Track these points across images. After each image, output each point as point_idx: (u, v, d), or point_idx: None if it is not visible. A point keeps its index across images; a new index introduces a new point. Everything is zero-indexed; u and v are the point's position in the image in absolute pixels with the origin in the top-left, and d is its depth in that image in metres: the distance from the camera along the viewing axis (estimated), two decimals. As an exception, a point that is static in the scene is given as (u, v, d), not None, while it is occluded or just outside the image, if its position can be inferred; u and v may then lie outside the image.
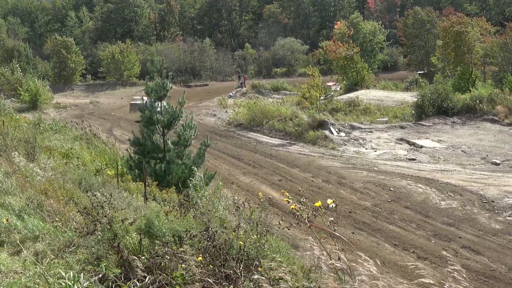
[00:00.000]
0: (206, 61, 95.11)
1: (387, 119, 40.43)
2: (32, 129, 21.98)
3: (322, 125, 35.61)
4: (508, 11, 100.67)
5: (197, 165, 17.96)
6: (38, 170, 13.57)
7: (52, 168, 14.63)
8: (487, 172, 24.58)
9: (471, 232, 17.30)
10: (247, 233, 7.74)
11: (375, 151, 30.54)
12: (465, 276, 5.24)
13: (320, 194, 21.27)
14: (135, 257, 7.39)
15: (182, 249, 7.37)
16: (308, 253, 6.03)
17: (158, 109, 18.20)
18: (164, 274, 6.97)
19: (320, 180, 24.47)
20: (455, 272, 5.33)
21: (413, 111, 41.10)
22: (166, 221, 8.27)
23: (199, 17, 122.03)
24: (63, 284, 6.31)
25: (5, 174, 12.48)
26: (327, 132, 34.43)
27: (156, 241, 7.85)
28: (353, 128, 37.00)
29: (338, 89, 63.50)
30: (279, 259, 7.36)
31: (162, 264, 7.20)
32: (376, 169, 26.17)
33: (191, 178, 13.26)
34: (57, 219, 9.56)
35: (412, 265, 12.78)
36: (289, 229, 6.72)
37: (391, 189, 22.40)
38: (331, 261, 5.51)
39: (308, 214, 5.75)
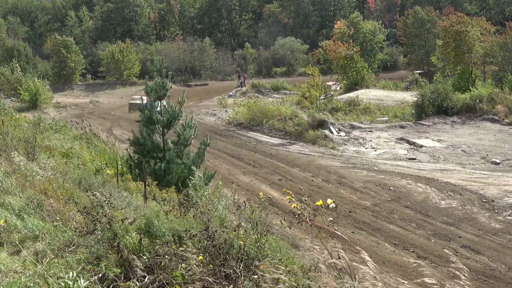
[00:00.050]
0: (206, 60, 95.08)
1: (387, 118, 40.44)
2: (32, 128, 21.99)
3: (322, 124, 35.61)
4: (508, 10, 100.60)
5: (197, 164, 17.96)
6: (38, 170, 13.56)
7: (52, 168, 14.61)
8: (487, 172, 24.58)
9: (471, 231, 17.31)
10: (247, 233, 7.74)
11: (375, 150, 30.54)
12: (467, 275, 5.23)
13: (320, 194, 21.27)
14: (134, 256, 7.39)
15: (182, 248, 7.38)
16: (309, 252, 6.02)
17: (158, 108, 18.19)
18: (165, 274, 6.97)
19: (320, 180, 24.48)
20: (457, 271, 5.32)
21: (413, 111, 41.10)
22: (166, 220, 8.27)
23: (199, 17, 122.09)
24: (63, 283, 6.31)
25: (5, 174, 12.48)
26: (327, 132, 34.44)
27: (156, 241, 7.85)
28: (353, 127, 37.00)
29: (338, 88, 63.50)
30: (277, 259, 7.36)
31: (162, 264, 7.20)
32: (376, 168, 26.18)
33: (190, 178, 13.26)
34: (57, 218, 9.55)
35: (415, 262, 12.79)
36: (290, 228, 6.71)
37: (391, 188, 22.41)
38: (332, 260, 5.51)
39: (309, 213, 5.74)
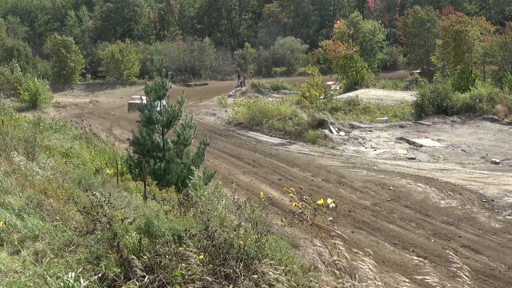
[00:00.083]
0: (205, 60, 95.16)
1: (386, 118, 40.45)
2: (31, 128, 21.99)
3: (321, 124, 35.60)
4: (508, 10, 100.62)
5: (197, 164, 17.96)
6: (38, 170, 13.57)
7: (51, 168, 14.62)
8: (486, 171, 24.58)
9: (470, 231, 17.30)
10: (247, 233, 7.74)
11: (375, 150, 30.54)
12: (468, 274, 5.24)
13: (319, 193, 21.26)
14: (134, 256, 7.39)
15: (181, 248, 7.38)
16: (310, 250, 6.02)
17: (158, 108, 18.19)
18: (165, 273, 6.97)
19: (320, 179, 24.47)
20: (459, 271, 5.33)
21: (412, 110, 41.11)
22: (166, 220, 8.27)
23: (198, 16, 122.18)
24: (63, 283, 6.31)
25: (4, 174, 12.48)
26: (326, 131, 34.43)
27: (156, 240, 7.85)
28: (352, 127, 37.01)
29: (338, 88, 63.50)
30: (277, 259, 7.36)
31: (162, 263, 7.20)
32: (375, 168, 26.17)
33: (190, 177, 13.27)
34: (57, 218, 9.56)
35: (417, 260, 12.79)
36: (291, 226, 6.71)
37: (390, 188, 22.41)
38: (332, 259, 5.50)
39: (310, 212, 5.74)
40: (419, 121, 38.20)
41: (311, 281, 6.51)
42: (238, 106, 48.52)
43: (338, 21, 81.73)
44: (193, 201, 10.29)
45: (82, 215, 8.99)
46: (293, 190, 5.90)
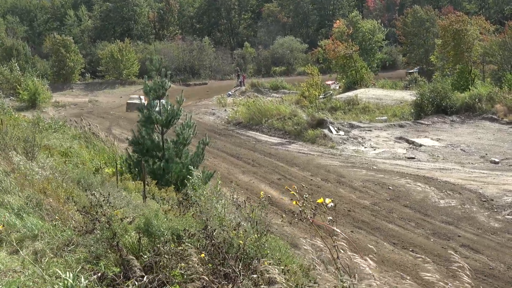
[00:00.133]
0: (205, 60, 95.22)
1: (386, 117, 40.47)
2: (31, 128, 21.98)
3: (321, 123, 35.61)
4: (507, 9, 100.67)
5: (196, 163, 17.95)
6: (37, 169, 13.55)
7: (51, 167, 14.61)
8: (486, 171, 24.58)
9: (470, 230, 17.31)
10: (247, 232, 7.74)
11: (374, 149, 30.54)
12: (468, 273, 5.24)
13: (319, 193, 21.25)
14: (133, 256, 7.39)
15: (180, 248, 7.38)
16: (309, 249, 6.02)
17: (157, 108, 18.19)
18: (164, 273, 6.97)
19: (319, 179, 24.48)
20: (460, 270, 5.33)
21: (412, 110, 41.12)
22: (165, 220, 8.26)
23: (198, 16, 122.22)
24: (62, 283, 6.31)
25: (3, 173, 12.47)
26: (326, 131, 34.44)
27: (156, 240, 7.85)
28: (352, 126, 37.02)
29: (337, 88, 63.53)
30: (277, 259, 7.36)
31: (161, 263, 7.20)
32: (375, 167, 26.18)
33: (188, 177, 13.26)
34: (56, 218, 9.55)
35: (420, 258, 12.81)
36: (290, 223, 6.72)
37: (390, 187, 22.41)
38: (332, 258, 5.51)
39: (310, 211, 5.74)
40: (418, 121, 38.20)
41: (310, 280, 6.52)
42: (238, 105, 48.54)
43: (338, 21, 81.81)
44: (192, 201, 10.28)
45: (81, 214, 8.99)
46: (295, 187, 5.91)
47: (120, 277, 6.98)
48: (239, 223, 8.13)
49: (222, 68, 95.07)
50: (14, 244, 8.11)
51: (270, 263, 6.78)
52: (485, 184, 21.87)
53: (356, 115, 42.63)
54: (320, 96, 47.34)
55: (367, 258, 5.35)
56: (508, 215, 18.39)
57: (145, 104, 19.05)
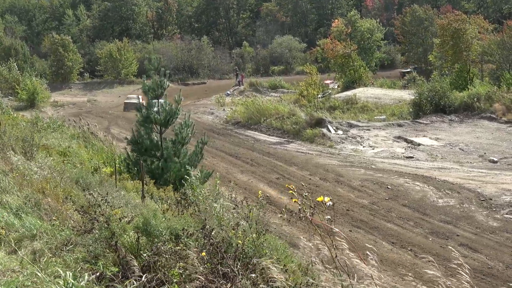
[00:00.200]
0: (203, 59, 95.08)
1: (384, 117, 40.48)
2: (29, 127, 21.95)
3: (319, 123, 35.62)
4: (506, 8, 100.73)
5: (194, 163, 17.96)
6: (36, 169, 13.55)
7: (49, 167, 14.60)
8: (484, 170, 24.60)
9: (468, 230, 17.32)
10: (245, 232, 7.74)
11: (373, 149, 30.55)
12: (467, 272, 5.25)
13: (317, 192, 21.23)
14: (132, 255, 7.39)
15: (178, 247, 7.38)
16: (310, 245, 6.03)
17: (155, 108, 18.18)
18: (164, 271, 6.97)
19: (318, 178, 24.48)
20: (459, 268, 5.34)
21: (410, 109, 41.14)
22: (164, 219, 8.27)
23: (196, 15, 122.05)
24: (62, 282, 6.31)
25: (2, 173, 12.46)
26: (324, 130, 34.44)
27: (154, 240, 7.85)
28: (350, 126, 37.03)
29: (336, 87, 63.54)
30: (276, 258, 7.37)
31: (159, 263, 7.20)
32: (373, 167, 26.18)
33: (186, 177, 13.27)
34: (54, 217, 9.54)
35: (422, 257, 12.80)
36: (289, 221, 6.72)
37: (388, 187, 22.41)
38: (331, 257, 5.51)
39: (309, 209, 5.74)
40: (417, 120, 38.22)
41: (309, 279, 6.52)
42: (236, 105, 48.59)
43: (336, 20, 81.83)
44: (190, 201, 10.28)
45: (80, 214, 8.99)
46: (293, 187, 5.91)
47: (119, 277, 6.98)
48: (238, 222, 8.13)
49: (221, 68, 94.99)
50: (13, 244, 8.10)
51: (272, 262, 6.79)
52: (484, 183, 21.90)
53: (354, 114, 42.64)
54: (319, 96, 47.33)
55: (370, 256, 5.36)
56: (506, 214, 18.41)
57: (143, 103, 19.05)
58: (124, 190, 14.08)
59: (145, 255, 7.46)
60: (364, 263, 5.22)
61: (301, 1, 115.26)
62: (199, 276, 6.65)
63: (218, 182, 11.42)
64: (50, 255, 7.69)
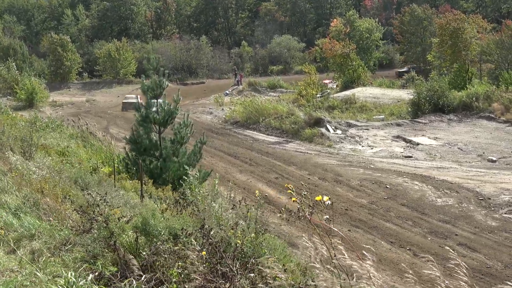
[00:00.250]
0: (202, 59, 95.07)
1: (383, 116, 40.49)
2: (28, 127, 21.93)
3: (318, 122, 35.63)
4: (504, 8, 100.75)
5: (193, 163, 17.95)
6: (34, 168, 13.54)
7: (48, 167, 14.59)
8: (483, 169, 24.62)
9: (467, 229, 17.33)
10: (244, 232, 7.74)
11: (372, 148, 30.56)
12: (465, 272, 5.25)
13: (316, 192, 21.16)
14: (131, 255, 7.39)
15: (177, 247, 7.38)
16: (309, 245, 6.03)
17: (154, 108, 18.16)
18: (163, 271, 6.97)
19: (317, 178, 24.48)
20: (456, 267, 5.34)
21: (409, 109, 41.16)
22: (162, 219, 8.27)
23: (195, 15, 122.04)
24: (61, 282, 6.31)
25: (1, 173, 12.46)
26: (323, 130, 34.45)
27: (153, 239, 7.85)
28: (349, 125, 37.05)
29: (335, 86, 63.51)
30: (275, 257, 7.37)
31: (158, 262, 7.20)
32: (372, 166, 26.19)
33: (184, 178, 13.26)
34: (51, 218, 9.54)
35: (421, 256, 12.81)
36: (288, 220, 6.72)
37: (387, 186, 22.42)
38: (331, 257, 5.51)
39: (308, 207, 5.74)
40: (415, 120, 38.24)
41: (308, 279, 6.52)
42: (235, 104, 48.61)
43: (335, 20, 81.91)
44: (189, 200, 10.28)
45: (78, 214, 8.98)
46: (292, 187, 5.91)
47: (117, 277, 6.98)
48: (237, 222, 8.13)
49: (220, 67, 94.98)
50: (11, 243, 8.11)
51: (274, 261, 6.80)
52: (482, 183, 21.91)
53: (353, 114, 42.65)
54: (318, 95, 47.30)
55: (367, 256, 5.36)
56: (505, 213, 18.43)
57: (142, 103, 19.05)
58: (123, 189, 14.08)
59: (144, 253, 7.46)
60: (362, 263, 5.21)
61: (299, 1, 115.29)
62: (196, 277, 6.65)
63: (217, 182, 11.42)
64: (49, 255, 7.69)
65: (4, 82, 65.54)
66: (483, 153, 27.67)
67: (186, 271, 6.81)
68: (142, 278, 6.75)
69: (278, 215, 14.43)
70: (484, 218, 18.20)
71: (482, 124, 35.53)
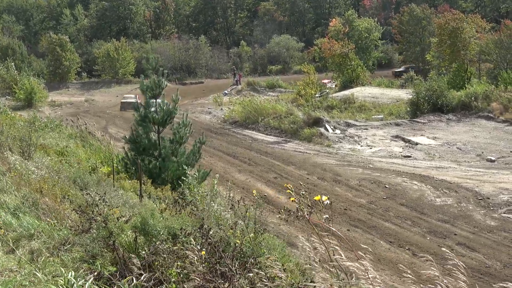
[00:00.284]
0: (201, 58, 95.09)
1: (382, 116, 40.50)
2: (27, 127, 21.92)
3: (317, 122, 35.64)
4: (503, 8, 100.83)
5: (192, 162, 17.95)
6: (33, 168, 13.54)
7: (47, 166, 14.59)
8: (482, 169, 24.62)
9: (466, 229, 17.33)
10: (243, 231, 7.75)
11: (371, 148, 30.56)
12: (463, 272, 5.25)
13: (315, 192, 21.21)
14: (130, 255, 7.39)
15: (175, 247, 7.38)
16: (307, 245, 6.03)
17: (153, 108, 18.15)
18: (162, 270, 6.97)
19: (316, 178, 24.48)
20: (454, 267, 5.34)
21: (408, 108, 41.16)
22: (161, 219, 8.26)
23: (194, 15, 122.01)
24: (61, 282, 6.30)
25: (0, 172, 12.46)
26: (322, 130, 34.45)
27: (152, 239, 7.85)
28: (348, 125, 37.05)
29: (333, 86, 63.58)
30: (274, 257, 7.37)
31: (157, 262, 7.19)
32: (371, 166, 26.19)
33: (183, 178, 13.26)
34: (49, 219, 9.53)
35: (420, 256, 12.80)
36: (287, 221, 6.71)
37: (386, 186, 22.42)
38: (329, 257, 5.51)
39: (306, 209, 5.74)
40: (414, 119, 38.25)
41: (306, 279, 6.52)
42: (234, 104, 48.63)
43: (334, 19, 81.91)
44: (188, 200, 10.28)
45: (77, 213, 8.98)
46: (291, 187, 5.91)
47: (116, 276, 6.98)
48: (236, 222, 8.14)
49: (218, 67, 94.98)
50: (11, 243, 8.10)
51: (274, 260, 6.80)
52: (481, 183, 21.91)
53: (352, 113, 42.64)
54: (316, 95, 47.34)
55: (364, 257, 5.36)
56: (504, 213, 18.43)
57: (141, 103, 19.04)
58: (122, 189, 14.08)
59: (143, 252, 7.46)
60: (361, 262, 5.21)
61: (298, 1, 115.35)
62: (196, 277, 6.64)
63: (216, 181, 11.43)
64: (48, 255, 7.70)
65: (3, 82, 65.58)
66: (482, 152, 27.68)
67: (185, 270, 6.81)
68: (142, 278, 6.75)
69: (277, 216, 14.45)
70: (483, 218, 18.20)
71: (481, 124, 35.54)
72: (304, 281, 6.66)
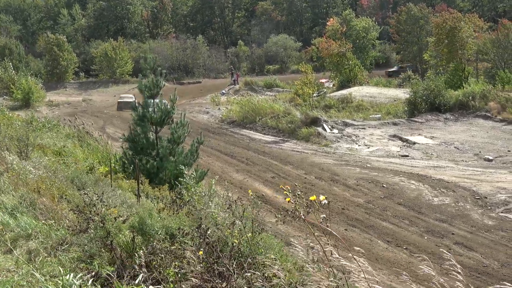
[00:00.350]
0: (198, 58, 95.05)
1: (380, 115, 40.52)
2: (24, 127, 21.91)
3: (315, 122, 35.63)
4: (501, 7, 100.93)
5: (190, 162, 17.94)
6: (31, 168, 13.53)
7: (44, 166, 14.58)
8: (479, 169, 24.64)
9: (464, 228, 17.34)
10: (241, 231, 7.74)
11: (368, 147, 30.57)
12: (460, 271, 5.25)
13: (313, 191, 21.23)
14: (127, 255, 7.39)
15: (173, 247, 7.38)
16: (303, 249, 6.03)
17: (150, 108, 18.15)
18: (160, 270, 6.96)
19: (313, 177, 24.48)
20: (452, 267, 5.34)
21: (406, 108, 41.18)
22: (159, 218, 8.26)
23: (191, 15, 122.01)
24: (59, 282, 6.30)
25: (-3, 172, 12.46)
26: (320, 129, 34.45)
27: (150, 239, 7.84)
28: (346, 125, 37.06)
29: (331, 86, 63.62)
30: (272, 257, 7.37)
31: (155, 262, 7.19)
32: (369, 165, 26.20)
33: (180, 179, 13.27)
34: (46, 219, 9.53)
35: (417, 255, 12.82)
36: (283, 223, 6.71)
37: (384, 185, 22.43)
38: (325, 257, 5.51)
39: (303, 209, 5.74)
40: (412, 119, 38.28)
41: (304, 279, 6.52)
42: (231, 104, 48.61)
43: (331, 19, 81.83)
44: (185, 200, 10.27)
45: (75, 213, 8.97)
46: (288, 188, 5.91)
47: (114, 276, 6.98)
48: (234, 221, 8.13)
49: (216, 67, 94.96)
50: (8, 243, 8.09)
51: (273, 259, 6.81)
52: (479, 182, 21.93)
53: (350, 113, 42.67)
54: (314, 94, 47.37)
55: (357, 258, 5.36)
56: (501, 212, 18.45)
57: (138, 102, 19.03)
58: (120, 189, 14.06)
59: (140, 251, 7.46)
60: (358, 262, 5.22)
61: (296, 0, 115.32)
62: (194, 277, 6.64)
63: (213, 181, 11.43)
64: (46, 255, 7.69)
65: (0, 82, 65.49)
66: (480, 152, 27.71)
67: (183, 270, 6.81)
68: (140, 278, 6.75)
69: (275, 220, 14.47)
70: (481, 217, 18.22)
71: (479, 123, 35.58)
72: (301, 281, 6.67)
